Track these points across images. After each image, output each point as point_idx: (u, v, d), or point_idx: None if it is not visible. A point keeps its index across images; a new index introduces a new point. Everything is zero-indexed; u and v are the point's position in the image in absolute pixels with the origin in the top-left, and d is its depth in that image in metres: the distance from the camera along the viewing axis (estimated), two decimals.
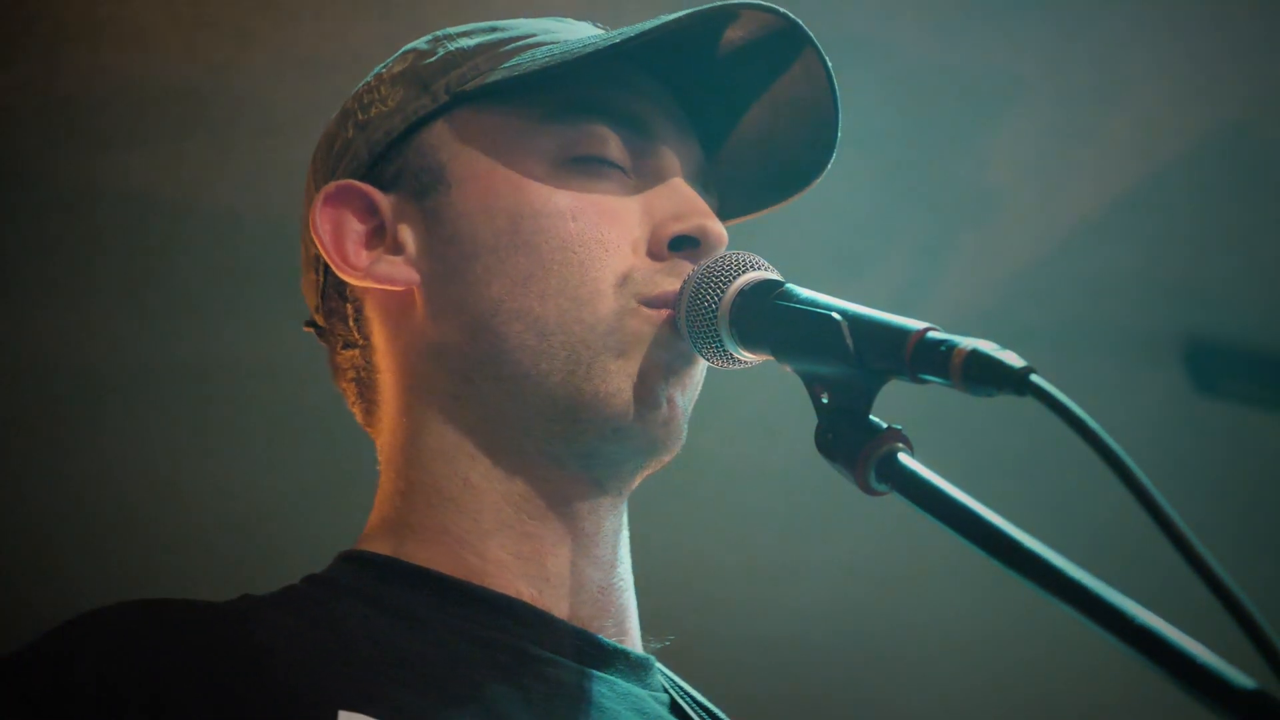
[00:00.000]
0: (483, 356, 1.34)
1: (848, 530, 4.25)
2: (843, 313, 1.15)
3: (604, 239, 1.33)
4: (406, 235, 1.38)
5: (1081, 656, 4.39)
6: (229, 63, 3.32)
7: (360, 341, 1.42)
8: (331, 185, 1.40)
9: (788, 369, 1.22)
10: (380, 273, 1.37)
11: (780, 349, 1.21)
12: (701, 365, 1.35)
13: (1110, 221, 3.64)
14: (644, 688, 1.34)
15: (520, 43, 1.39)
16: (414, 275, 1.37)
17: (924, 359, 1.08)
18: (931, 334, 1.09)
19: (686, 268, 1.33)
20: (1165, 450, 3.78)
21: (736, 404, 3.79)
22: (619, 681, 1.32)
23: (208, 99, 3.40)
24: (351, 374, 1.44)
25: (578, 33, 1.42)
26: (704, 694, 1.44)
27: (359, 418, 1.46)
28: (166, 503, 4.00)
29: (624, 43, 1.32)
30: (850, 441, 1.12)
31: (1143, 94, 3.38)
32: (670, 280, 1.32)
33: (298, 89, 3.33)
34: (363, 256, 1.38)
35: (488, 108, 1.38)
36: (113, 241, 3.66)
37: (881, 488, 1.10)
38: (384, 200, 1.39)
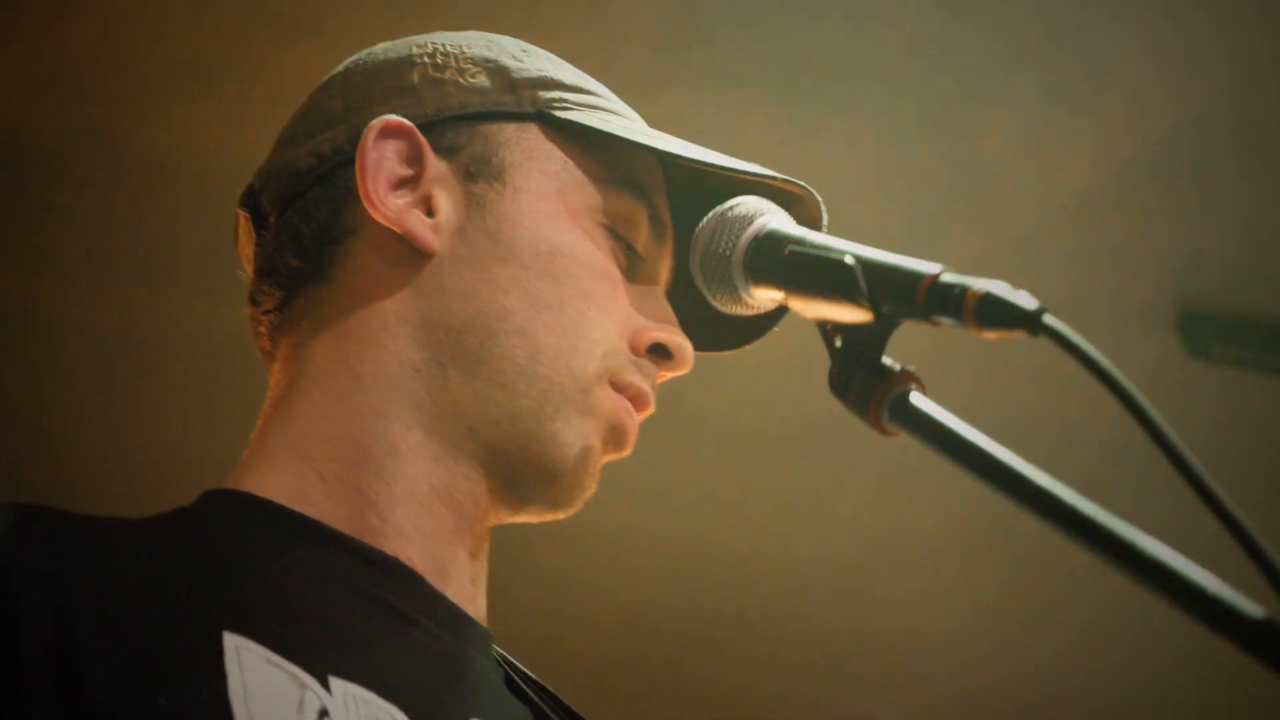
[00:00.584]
0: (468, 350, 1.34)
1: (845, 495, 4.26)
2: (856, 256, 1.16)
3: (611, 311, 1.37)
4: (443, 204, 1.37)
5: (1078, 618, 4.41)
6: (237, 34, 3.32)
7: (324, 264, 1.39)
8: (396, 120, 1.38)
9: (801, 314, 1.22)
10: (410, 224, 1.36)
11: (794, 293, 1.21)
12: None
13: (1106, 192, 3.64)
14: (488, 661, 1.36)
15: (599, 100, 1.43)
16: (436, 243, 1.36)
17: (937, 301, 1.09)
18: (945, 276, 1.09)
19: (651, 371, 1.39)
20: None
21: (733, 370, 3.80)
22: (476, 654, 1.34)
23: (214, 69, 3.40)
24: (284, 279, 1.40)
25: (630, 113, 1.47)
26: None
27: (264, 325, 1.43)
28: (176, 469, 4.00)
29: (707, 164, 1.37)
30: (863, 383, 1.12)
31: (1139, 66, 3.39)
32: (639, 377, 1.38)
33: (305, 60, 3.32)
34: (393, 199, 1.36)
35: (560, 140, 1.40)
36: (121, 210, 3.66)
37: (894, 427, 1.11)
38: (433, 161, 1.38)
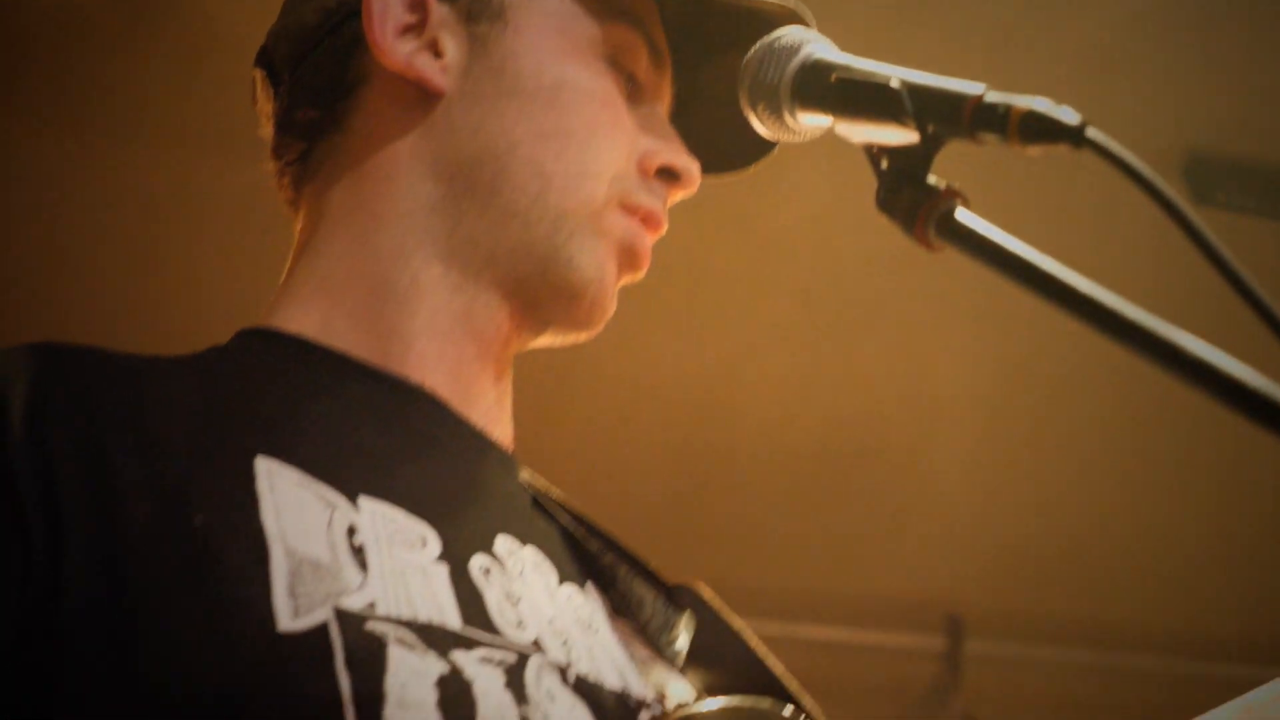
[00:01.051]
0: (481, 182, 1.35)
1: (865, 344, 4.26)
2: (901, 80, 1.15)
3: (617, 137, 1.38)
4: (449, 46, 1.38)
5: (1094, 466, 4.43)
6: None
7: (339, 113, 1.40)
8: None
9: (847, 138, 1.22)
10: (419, 67, 1.37)
11: (841, 117, 1.21)
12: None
13: (1115, 42, 3.61)
14: (514, 482, 1.37)
15: None
16: (444, 84, 1.37)
17: (983, 119, 1.09)
18: (989, 96, 1.10)
19: (661, 192, 1.39)
20: (1165, 255, 3.77)
21: (757, 222, 3.79)
22: (502, 475, 1.36)
23: None
24: (303, 131, 1.42)
25: None
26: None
27: (287, 177, 1.44)
28: (228, 320, 4.02)
29: None
30: (910, 200, 1.13)
31: None
32: (649, 198, 1.38)
33: None
34: (400, 45, 1.37)
35: None
36: (173, 79, 3.63)
37: (941, 241, 1.11)
38: (435, 6, 1.39)
